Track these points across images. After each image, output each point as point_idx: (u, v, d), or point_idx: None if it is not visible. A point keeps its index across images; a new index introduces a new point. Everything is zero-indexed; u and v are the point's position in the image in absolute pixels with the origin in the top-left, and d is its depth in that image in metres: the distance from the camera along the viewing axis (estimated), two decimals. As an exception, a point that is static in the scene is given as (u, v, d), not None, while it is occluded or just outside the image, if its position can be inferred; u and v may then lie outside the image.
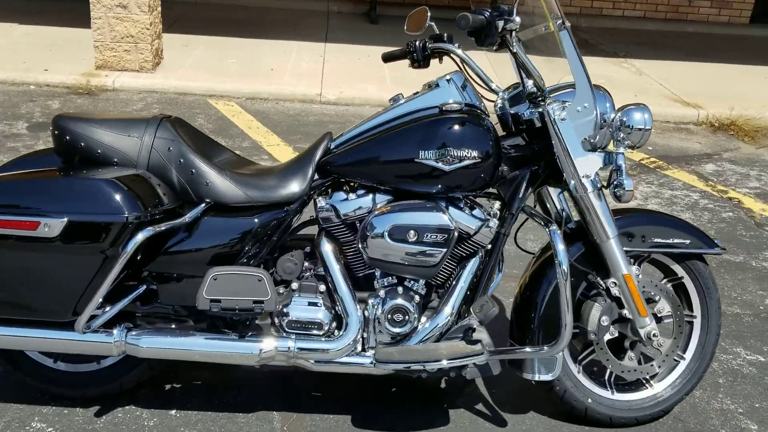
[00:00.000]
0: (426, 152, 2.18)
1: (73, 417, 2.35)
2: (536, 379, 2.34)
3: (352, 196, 2.27)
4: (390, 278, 2.31)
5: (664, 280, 2.50)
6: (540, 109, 2.24)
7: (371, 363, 2.24)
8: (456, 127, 2.19)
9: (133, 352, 2.19)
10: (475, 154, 2.17)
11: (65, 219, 1.97)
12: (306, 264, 2.36)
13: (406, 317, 2.24)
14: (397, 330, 2.26)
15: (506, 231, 2.32)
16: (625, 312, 2.35)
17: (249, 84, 6.10)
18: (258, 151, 4.84)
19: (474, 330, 2.29)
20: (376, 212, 2.22)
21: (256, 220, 2.21)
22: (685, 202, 4.64)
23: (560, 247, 2.19)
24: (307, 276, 2.34)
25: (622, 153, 2.22)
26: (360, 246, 2.23)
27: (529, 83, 2.24)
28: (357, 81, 6.44)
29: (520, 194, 2.32)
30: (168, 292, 2.22)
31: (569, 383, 2.41)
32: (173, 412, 2.42)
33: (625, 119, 2.20)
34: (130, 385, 2.41)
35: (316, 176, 2.28)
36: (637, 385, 2.52)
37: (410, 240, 2.18)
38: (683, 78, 7.38)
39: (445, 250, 2.19)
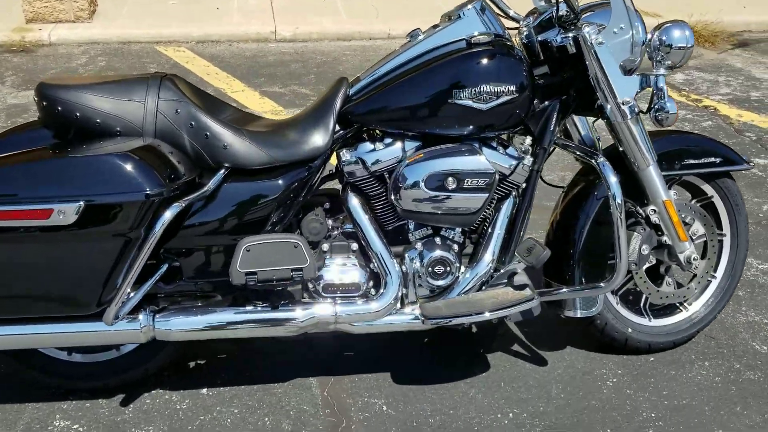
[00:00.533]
0: (460, 91, 2.00)
1: (97, 410, 2.17)
2: (578, 316, 2.26)
3: (379, 145, 2.09)
4: (425, 229, 2.16)
5: (694, 201, 2.43)
6: (574, 34, 2.08)
7: (417, 319, 2.12)
8: (489, 60, 2.01)
9: (164, 337, 2.00)
10: (512, 88, 2.01)
11: (80, 203, 1.73)
12: (330, 222, 2.19)
13: (448, 269, 2.12)
14: (439, 283, 2.13)
15: (539, 168, 2.19)
16: (665, 239, 2.28)
17: (197, 27, 5.72)
18: (223, 100, 4.56)
19: (516, 274, 2.19)
20: (408, 161, 2.05)
21: (281, 182, 2.01)
22: (664, 114, 4.61)
23: (612, 179, 2.07)
24: (335, 235, 2.18)
25: (663, 75, 2.09)
26: (392, 198, 2.07)
27: (563, 6, 2.07)
28: (310, 15, 6.12)
29: (551, 127, 2.17)
30: (193, 268, 2.01)
31: (609, 315, 2.34)
32: (204, 391, 2.26)
33: (664, 38, 2.06)
34: (155, 370, 2.23)
35: (337, 127, 2.09)
36: (671, 309, 2.48)
37: (450, 188, 2.03)
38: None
39: (486, 195, 2.05)
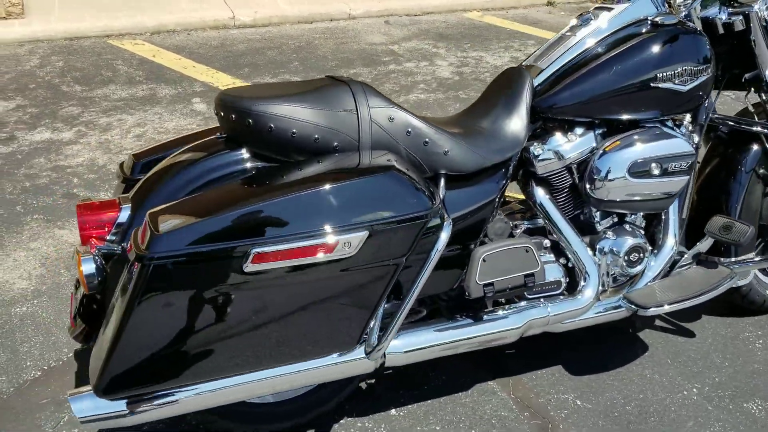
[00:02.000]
0: (663, 73, 1.93)
1: (295, 451, 1.95)
2: (739, 284, 2.30)
3: (572, 137, 1.99)
4: (612, 217, 2.10)
5: None
6: (743, 10, 2.07)
7: (620, 309, 2.06)
8: (684, 41, 1.96)
9: (393, 362, 1.81)
10: (707, 68, 1.98)
11: (366, 231, 1.51)
12: (506, 220, 2.07)
13: (642, 255, 2.06)
14: (634, 270, 2.07)
15: (699, 144, 2.18)
16: None
17: (149, 16, 5.21)
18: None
19: (700, 254, 2.18)
20: (605, 150, 1.97)
21: (495, 183, 1.86)
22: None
23: None
24: (519, 233, 2.06)
25: None
26: (586, 188, 1.98)
27: None
28: (262, -2, 5.76)
29: (706, 103, 2.17)
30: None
31: (754, 281, 2.40)
32: (393, 412, 2.08)
33: None
34: (343, 399, 2.03)
35: None
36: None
37: (654, 173, 1.97)
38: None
39: (689, 176, 2.01)
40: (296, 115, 1.64)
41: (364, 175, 1.54)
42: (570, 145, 1.98)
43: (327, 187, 1.50)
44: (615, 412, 2.11)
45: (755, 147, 2.27)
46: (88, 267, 1.50)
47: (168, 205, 1.53)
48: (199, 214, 1.43)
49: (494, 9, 6.14)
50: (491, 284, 1.81)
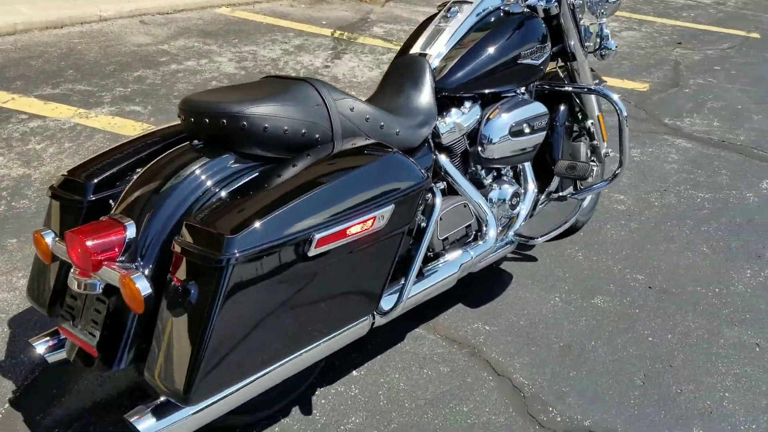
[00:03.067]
0: (524, 51, 2.41)
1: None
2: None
3: (464, 110, 2.37)
4: (493, 173, 2.54)
5: None
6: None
7: (515, 242, 2.53)
8: (532, 24, 2.45)
9: (395, 314, 2.05)
10: (547, 45, 2.50)
11: (392, 204, 1.70)
12: None
13: (519, 199, 2.55)
14: (515, 212, 2.55)
15: None
16: (596, 142, 3.04)
17: None
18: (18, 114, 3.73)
19: (551, 192, 2.75)
20: (489, 117, 2.39)
21: (430, 155, 2.18)
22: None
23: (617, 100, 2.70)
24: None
25: (603, 22, 2.80)
26: (479, 150, 2.38)
27: None
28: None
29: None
30: None
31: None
32: (354, 373, 2.30)
33: None
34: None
35: None
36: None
37: (526, 132, 2.44)
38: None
39: (545, 131, 2.53)
40: (285, 113, 1.77)
41: (378, 159, 1.76)
42: (464, 117, 2.37)
43: (356, 171, 1.70)
44: (514, 329, 2.60)
45: (563, 105, 2.90)
46: (144, 285, 1.49)
47: (206, 212, 1.57)
48: (259, 213, 1.52)
49: (241, 4, 6.27)
50: (446, 238, 2.14)
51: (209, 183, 1.71)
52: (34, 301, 1.88)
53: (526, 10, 2.51)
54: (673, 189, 3.80)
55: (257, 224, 1.50)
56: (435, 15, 2.56)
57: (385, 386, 2.28)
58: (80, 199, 1.79)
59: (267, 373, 1.67)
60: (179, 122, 1.90)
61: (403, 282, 2.00)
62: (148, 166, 1.79)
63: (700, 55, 6.42)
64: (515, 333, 2.58)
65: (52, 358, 1.87)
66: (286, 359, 1.70)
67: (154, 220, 1.65)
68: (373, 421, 2.14)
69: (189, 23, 5.64)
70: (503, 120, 2.40)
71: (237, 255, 1.46)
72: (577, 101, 2.90)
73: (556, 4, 2.64)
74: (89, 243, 1.57)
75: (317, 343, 1.76)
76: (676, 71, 5.89)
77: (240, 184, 1.71)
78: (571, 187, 2.99)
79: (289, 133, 1.77)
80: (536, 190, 2.65)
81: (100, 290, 1.62)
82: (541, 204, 2.75)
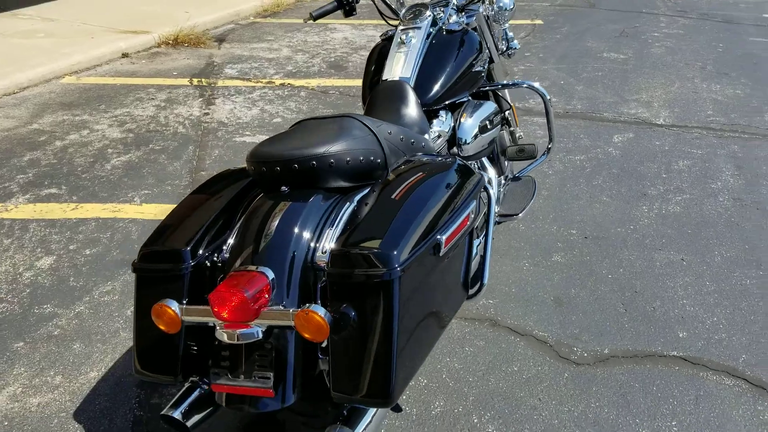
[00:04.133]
0: (474, 61, 2.79)
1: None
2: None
3: (442, 119, 2.69)
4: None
5: None
6: (473, 13, 3.05)
7: (499, 221, 2.93)
8: (472, 38, 2.84)
9: None
10: (484, 54, 2.91)
11: (474, 201, 2.01)
12: None
13: (491, 185, 2.92)
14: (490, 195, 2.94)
15: None
16: (512, 128, 3.52)
17: None
18: None
19: (508, 175, 3.19)
20: (460, 122, 2.74)
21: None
22: (285, 96, 5.58)
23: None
24: None
25: (506, 27, 3.28)
26: (459, 151, 2.72)
27: None
28: None
29: None
30: None
31: (508, 190, 3.54)
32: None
33: (501, 5, 3.21)
34: None
35: None
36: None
37: (489, 128, 2.82)
38: (101, 13, 7.59)
39: (500, 124, 2.95)
40: (357, 145, 1.97)
41: (450, 166, 2.04)
42: (443, 125, 2.70)
43: (443, 179, 1.96)
44: (511, 297, 3.00)
45: (489, 101, 3.35)
46: (326, 314, 1.63)
47: (346, 241, 1.74)
48: (398, 230, 1.74)
49: (82, 71, 6.02)
50: None
51: (316, 219, 1.87)
52: (154, 373, 1.90)
53: (460, 27, 2.91)
54: (555, 158, 4.44)
55: (402, 240, 1.72)
56: (383, 44, 2.86)
57: (444, 370, 2.55)
58: (180, 265, 1.85)
59: (424, 359, 1.89)
60: (216, 176, 2.12)
61: (487, 259, 2.29)
62: (246, 218, 1.90)
63: (509, 45, 7.31)
64: (514, 300, 2.97)
65: (191, 422, 1.91)
66: (434, 343, 1.93)
67: (284, 263, 1.79)
68: (454, 400, 2.41)
69: (43, 98, 5.34)
70: (472, 122, 2.77)
71: (399, 268, 1.67)
72: (499, 95, 3.37)
73: (474, 19, 3.07)
74: (247, 294, 1.68)
75: (446, 325, 2.02)
76: (499, 62, 6.69)
77: (344, 214, 1.90)
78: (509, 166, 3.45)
79: (363, 162, 1.98)
80: (498, 176, 3.06)
81: (260, 336, 1.73)
82: (501, 187, 3.16)
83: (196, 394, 1.94)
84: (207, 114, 5.12)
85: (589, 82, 5.97)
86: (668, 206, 3.79)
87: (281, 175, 1.94)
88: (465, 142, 2.71)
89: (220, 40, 7.27)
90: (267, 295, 1.73)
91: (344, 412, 1.82)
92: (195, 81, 5.84)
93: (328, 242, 1.84)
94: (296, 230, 1.83)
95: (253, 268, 1.77)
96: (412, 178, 1.98)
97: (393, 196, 1.90)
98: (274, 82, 5.87)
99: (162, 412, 1.92)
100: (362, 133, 2.04)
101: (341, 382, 1.72)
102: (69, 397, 2.41)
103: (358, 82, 5.71)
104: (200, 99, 5.43)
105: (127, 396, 2.42)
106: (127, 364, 2.54)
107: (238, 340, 1.73)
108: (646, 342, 2.72)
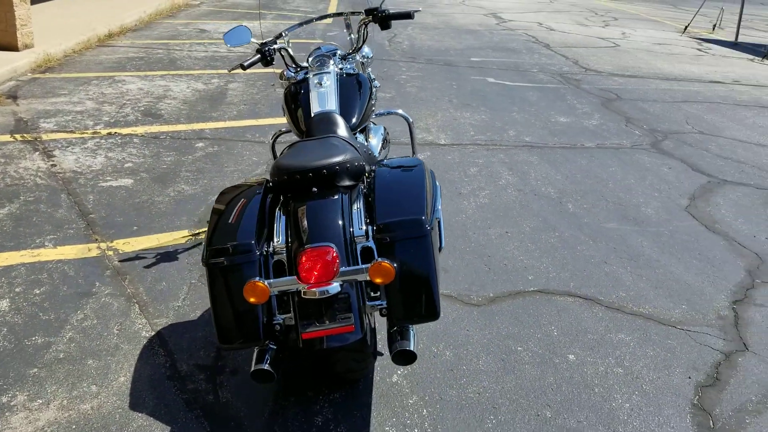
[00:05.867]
0: (371, 94, 3.67)
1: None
2: None
3: (361, 138, 3.53)
4: None
5: None
6: (351, 59, 3.93)
7: None
8: (364, 77, 3.71)
9: None
10: (372, 87, 3.80)
11: (438, 185, 2.81)
12: None
13: None
14: None
15: None
16: None
17: None
18: None
19: None
20: (385, 138, 3.61)
21: None
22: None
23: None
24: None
25: (369, 70, 4.20)
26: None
27: (357, 49, 3.87)
28: None
29: None
30: None
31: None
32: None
33: (364, 54, 4.12)
34: None
35: None
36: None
37: (385, 141, 3.74)
38: None
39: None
40: (356, 153, 2.76)
41: (419, 164, 2.85)
42: (372, 141, 3.55)
43: (423, 172, 2.79)
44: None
45: (381, 125, 4.24)
46: (392, 262, 2.39)
47: (382, 217, 2.51)
48: (412, 205, 2.56)
49: None
50: None
51: (346, 206, 2.60)
52: (243, 342, 2.44)
53: (355, 71, 3.77)
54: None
55: (420, 210, 2.55)
56: (293, 87, 3.61)
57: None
58: (252, 253, 2.46)
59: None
60: (230, 188, 2.78)
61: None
62: (294, 212, 2.56)
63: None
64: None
65: (268, 367, 2.44)
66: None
67: (337, 238, 2.49)
68: (492, 349, 3.24)
69: None
70: (377, 140, 3.66)
71: (429, 227, 2.50)
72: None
73: (354, 64, 3.96)
74: (329, 258, 2.37)
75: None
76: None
77: (358, 201, 2.65)
78: None
79: (357, 166, 2.73)
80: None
81: (339, 289, 2.40)
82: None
83: (270, 351, 2.51)
84: (54, 165, 5.17)
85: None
86: (479, 199, 5.05)
87: (312, 179, 2.63)
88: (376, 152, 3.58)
89: (13, 96, 7.02)
90: (338, 261, 2.42)
91: (394, 333, 2.55)
92: (18, 137, 5.73)
93: (358, 221, 2.58)
94: (336, 215, 2.55)
95: (320, 244, 2.44)
96: (401, 176, 2.82)
97: (385, 186, 2.72)
98: (100, 132, 6.01)
99: (252, 369, 2.46)
100: (350, 147, 2.82)
101: (403, 310, 2.48)
102: (115, 398, 2.71)
103: (182, 127, 6.17)
104: (36, 153, 5.40)
105: (165, 387, 2.80)
106: (151, 367, 2.88)
107: (322, 295, 2.38)
108: (512, 285, 3.83)
